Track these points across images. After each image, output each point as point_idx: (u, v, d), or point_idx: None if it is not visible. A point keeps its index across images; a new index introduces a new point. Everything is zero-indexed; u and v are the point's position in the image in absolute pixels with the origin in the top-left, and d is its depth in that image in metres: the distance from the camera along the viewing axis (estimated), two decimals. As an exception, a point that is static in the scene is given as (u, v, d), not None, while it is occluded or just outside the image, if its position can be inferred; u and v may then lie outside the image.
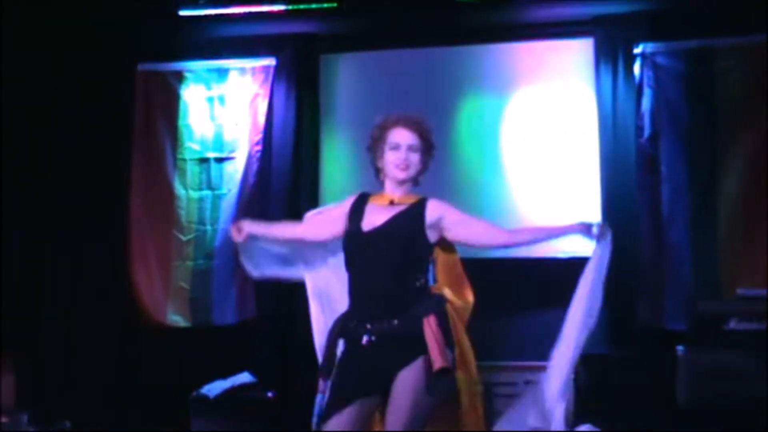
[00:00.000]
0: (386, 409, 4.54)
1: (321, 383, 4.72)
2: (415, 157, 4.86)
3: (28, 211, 8.78)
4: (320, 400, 4.70)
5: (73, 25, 8.56)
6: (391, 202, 4.85)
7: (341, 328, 4.75)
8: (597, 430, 6.95)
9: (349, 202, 4.98)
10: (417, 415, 4.56)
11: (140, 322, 8.71)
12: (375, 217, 4.81)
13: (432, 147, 5.02)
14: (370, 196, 4.97)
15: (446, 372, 4.62)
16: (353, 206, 4.92)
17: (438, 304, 4.85)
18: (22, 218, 8.75)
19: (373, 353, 4.59)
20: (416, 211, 4.83)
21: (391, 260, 4.74)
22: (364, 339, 4.62)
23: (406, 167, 4.84)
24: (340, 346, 4.79)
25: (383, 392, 4.56)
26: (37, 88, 8.73)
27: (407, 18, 8.42)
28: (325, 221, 5.04)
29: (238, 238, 5.05)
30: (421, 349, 4.60)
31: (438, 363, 4.59)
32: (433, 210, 4.83)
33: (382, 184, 4.99)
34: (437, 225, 4.81)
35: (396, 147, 4.87)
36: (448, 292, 5.03)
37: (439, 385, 4.60)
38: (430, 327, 4.70)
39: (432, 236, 4.81)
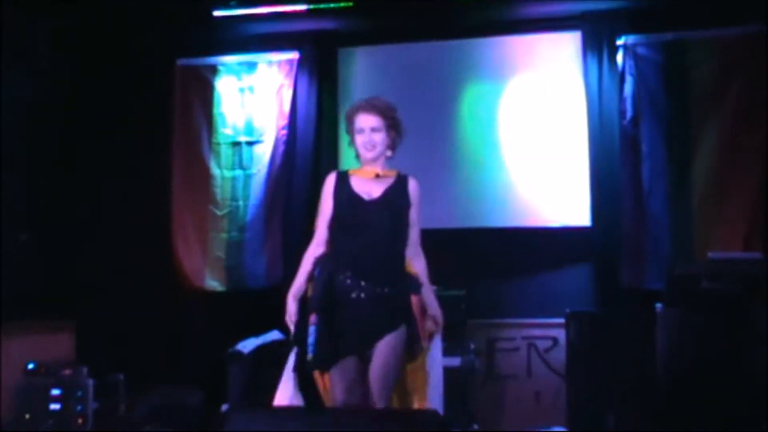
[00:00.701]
0: (370, 365, 4.89)
1: (313, 317, 4.94)
2: (378, 137, 5.15)
3: (87, 189, 8.99)
4: (313, 331, 4.91)
5: (121, 27, 8.70)
6: (377, 176, 5.14)
7: (330, 276, 4.97)
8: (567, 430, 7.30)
9: (330, 182, 5.23)
10: (395, 374, 5.00)
11: (182, 287, 8.87)
12: (368, 187, 5.13)
13: (396, 123, 5.23)
14: (347, 172, 5.25)
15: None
16: (337, 183, 5.18)
17: (420, 286, 5.17)
18: (82, 197, 8.96)
19: (361, 309, 4.92)
20: (402, 187, 5.16)
21: (389, 228, 5.09)
22: (354, 294, 4.91)
23: (372, 147, 5.15)
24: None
25: (369, 346, 4.90)
26: (94, 82, 8.94)
27: (415, 15, 8.49)
28: (325, 216, 5.21)
29: (293, 317, 5.11)
30: (405, 319, 5.01)
31: (424, 342, 5.13)
32: (413, 193, 5.16)
33: (360, 162, 5.27)
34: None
35: (360, 131, 5.20)
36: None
37: (415, 353, 5.11)
38: (416, 305, 5.13)
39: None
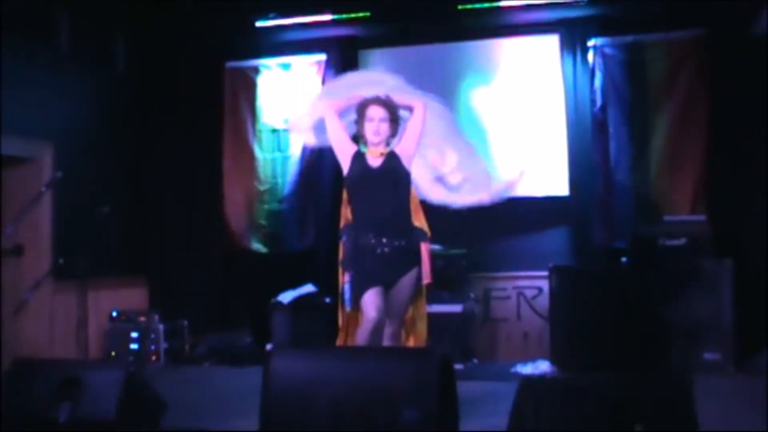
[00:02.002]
0: (389, 298, 5.14)
1: (347, 275, 5.23)
2: (384, 126, 5.28)
3: (156, 170, 9.17)
4: (347, 288, 5.21)
5: (181, 37, 8.88)
6: (381, 154, 5.29)
7: (356, 239, 5.20)
8: (554, 368, 7.28)
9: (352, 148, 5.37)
10: (409, 301, 5.33)
11: (232, 248, 9.01)
12: (375, 161, 5.27)
13: (398, 118, 5.37)
14: (364, 154, 5.33)
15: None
16: (355, 154, 5.32)
17: (425, 235, 5.50)
18: (152, 177, 9.16)
19: (385, 260, 5.14)
20: (395, 156, 5.31)
21: (399, 194, 5.29)
22: (378, 250, 5.13)
23: (378, 133, 5.27)
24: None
25: (393, 283, 5.18)
26: (160, 83, 9.10)
27: (421, 22, 8.54)
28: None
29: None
30: (416, 262, 5.28)
31: (427, 279, 5.47)
32: (402, 155, 5.33)
33: (364, 145, 5.35)
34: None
35: (371, 120, 5.28)
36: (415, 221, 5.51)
37: (420, 289, 5.42)
38: (425, 250, 5.42)
39: None
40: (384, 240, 5.16)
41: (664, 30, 8.07)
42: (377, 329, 5.00)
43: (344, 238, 5.30)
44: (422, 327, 5.66)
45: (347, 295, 5.20)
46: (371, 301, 5.03)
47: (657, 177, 8.06)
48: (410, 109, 5.48)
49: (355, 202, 5.34)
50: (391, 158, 5.31)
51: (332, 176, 8.30)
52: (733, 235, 7.46)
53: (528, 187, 8.34)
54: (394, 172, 5.28)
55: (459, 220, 8.19)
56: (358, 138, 5.42)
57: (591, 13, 8.22)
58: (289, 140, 9.00)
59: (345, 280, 5.23)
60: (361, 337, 5.01)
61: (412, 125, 5.44)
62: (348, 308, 5.23)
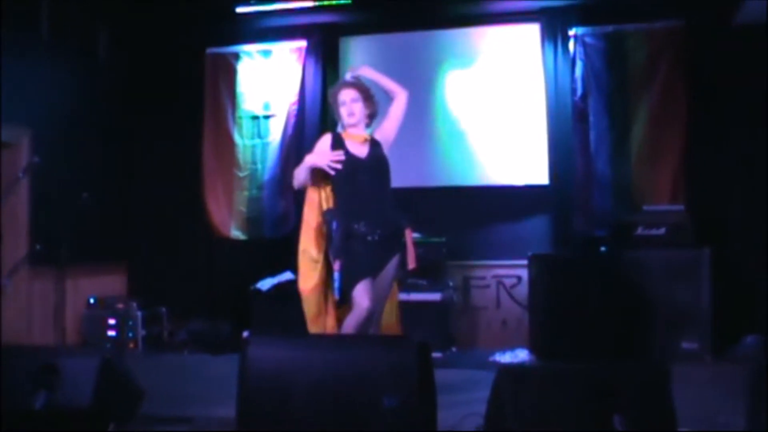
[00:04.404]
0: (375, 282, 5.20)
1: (337, 264, 5.17)
2: (357, 107, 5.43)
3: (136, 156, 9.17)
4: (338, 277, 5.15)
5: (162, 25, 8.86)
6: (365, 140, 5.43)
7: (347, 226, 5.20)
8: (532, 357, 7.29)
9: (326, 139, 5.47)
10: (389, 290, 5.39)
11: (212, 235, 8.98)
12: (359, 149, 5.37)
13: (370, 96, 5.52)
14: (340, 134, 5.48)
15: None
16: (333, 142, 5.40)
17: (409, 220, 5.51)
18: (132, 163, 9.14)
19: (374, 246, 5.21)
20: (377, 143, 5.45)
21: (383, 182, 5.39)
22: (369, 238, 5.20)
23: (352, 114, 5.43)
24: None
25: (381, 270, 5.25)
26: (142, 70, 9.08)
27: (402, 9, 8.52)
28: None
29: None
30: (400, 248, 5.37)
31: (411, 264, 5.45)
32: (381, 140, 5.47)
33: (343, 127, 5.50)
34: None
35: (343, 103, 5.47)
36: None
37: (402, 273, 5.50)
38: (408, 236, 5.45)
39: None
40: (372, 228, 5.23)
41: (644, 20, 8.07)
42: (371, 318, 5.09)
43: (334, 225, 5.26)
44: (394, 308, 5.65)
45: (337, 284, 5.17)
46: (365, 290, 5.09)
47: (637, 166, 8.07)
48: (392, 95, 5.63)
49: (342, 190, 5.37)
50: (376, 147, 5.45)
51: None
52: (711, 225, 7.46)
53: (508, 175, 8.53)
54: (379, 161, 5.42)
55: (439, 208, 8.33)
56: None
57: (572, 2, 8.24)
58: (269, 127, 9.01)
59: (335, 268, 5.19)
60: (351, 324, 5.06)
61: (393, 112, 5.60)
62: (337, 297, 5.20)
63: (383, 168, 5.43)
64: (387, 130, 5.59)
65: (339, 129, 5.61)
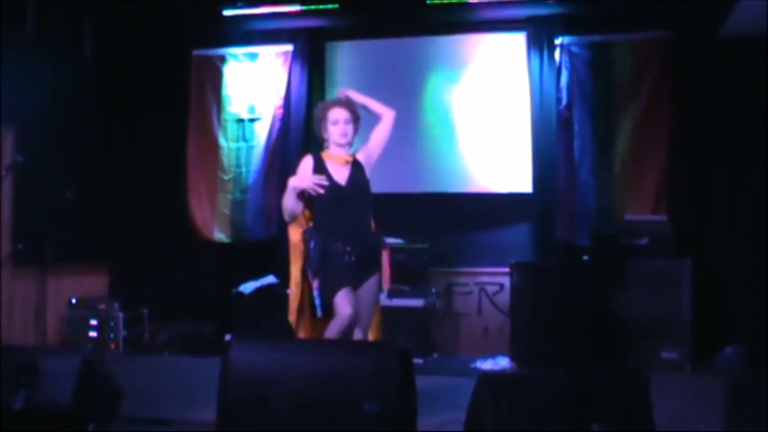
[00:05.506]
0: (358, 299, 5.19)
1: (315, 282, 5.19)
2: (350, 128, 5.39)
3: (120, 157, 9.12)
4: (318, 295, 5.17)
5: (148, 25, 8.88)
6: (346, 162, 5.39)
7: (325, 246, 5.18)
8: (513, 364, 7.28)
9: (308, 162, 5.40)
10: (372, 310, 5.39)
11: (195, 238, 8.96)
12: (341, 173, 5.35)
13: (358, 118, 5.46)
14: (321, 154, 5.42)
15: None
16: (315, 165, 5.36)
17: (385, 242, 5.54)
18: (116, 163, 9.10)
19: (351, 265, 5.20)
20: (359, 166, 5.41)
21: (363, 205, 5.39)
22: (346, 257, 5.18)
23: (345, 135, 5.38)
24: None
25: (358, 286, 5.24)
26: (127, 69, 9.08)
27: (389, 16, 8.56)
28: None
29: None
30: (377, 268, 5.39)
31: (386, 284, 5.59)
32: (363, 160, 5.45)
33: (326, 147, 5.44)
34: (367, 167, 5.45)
35: (335, 122, 5.38)
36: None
37: (379, 293, 5.49)
38: (385, 257, 5.50)
39: None
40: (350, 248, 5.22)
41: (630, 30, 8.11)
42: (351, 325, 5.07)
43: (312, 245, 5.25)
44: (377, 326, 5.62)
45: (317, 301, 5.19)
46: (345, 297, 5.08)
47: (620, 176, 8.09)
48: (379, 117, 5.62)
49: (322, 213, 5.37)
50: (357, 170, 5.43)
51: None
52: (692, 236, 7.51)
53: (492, 182, 8.55)
54: (359, 186, 5.40)
55: (422, 214, 8.34)
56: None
57: (558, 11, 8.26)
58: (254, 130, 9.02)
59: (315, 287, 5.21)
60: (334, 330, 5.04)
61: (379, 133, 5.61)
62: (320, 314, 5.19)
63: (363, 192, 5.42)
64: (372, 150, 5.57)
65: (324, 145, 5.51)
